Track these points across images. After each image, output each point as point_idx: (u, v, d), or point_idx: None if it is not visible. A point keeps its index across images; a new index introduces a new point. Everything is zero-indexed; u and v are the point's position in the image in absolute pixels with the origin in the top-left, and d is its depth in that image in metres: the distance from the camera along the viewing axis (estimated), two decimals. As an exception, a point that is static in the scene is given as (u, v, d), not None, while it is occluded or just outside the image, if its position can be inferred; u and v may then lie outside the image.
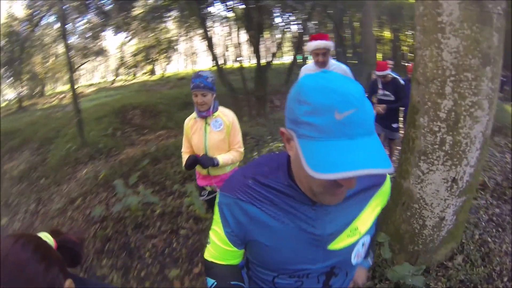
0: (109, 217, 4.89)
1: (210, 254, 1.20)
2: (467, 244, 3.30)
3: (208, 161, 2.79)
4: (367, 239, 1.15)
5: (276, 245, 1.06)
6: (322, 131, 0.76)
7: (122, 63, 30.68)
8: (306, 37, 15.09)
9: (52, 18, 24.91)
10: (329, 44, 3.47)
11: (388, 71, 5.33)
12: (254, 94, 10.64)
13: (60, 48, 29.54)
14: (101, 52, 32.24)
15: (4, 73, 24.79)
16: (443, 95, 2.44)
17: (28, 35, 23.49)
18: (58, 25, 25.64)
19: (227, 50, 31.34)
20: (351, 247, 1.10)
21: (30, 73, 27.98)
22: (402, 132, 3.84)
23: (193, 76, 2.76)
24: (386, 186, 1.15)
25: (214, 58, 11.31)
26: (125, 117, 10.97)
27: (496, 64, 2.34)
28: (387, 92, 5.45)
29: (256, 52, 10.80)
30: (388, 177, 1.16)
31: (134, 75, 31.77)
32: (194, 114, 2.93)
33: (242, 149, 2.99)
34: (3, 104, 27.31)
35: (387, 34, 22.88)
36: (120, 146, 8.46)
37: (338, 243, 1.07)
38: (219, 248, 1.15)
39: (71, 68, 8.50)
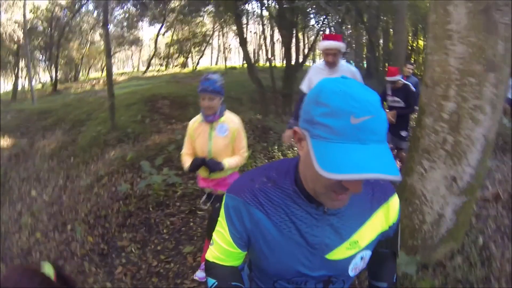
0: (133, 195, 5.28)
1: (212, 255, 1.22)
2: (469, 247, 3.37)
3: (215, 166, 2.82)
4: (367, 253, 1.16)
5: (274, 250, 1.09)
6: (337, 133, 0.78)
7: (155, 54, 31.55)
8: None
9: (91, 6, 26.03)
10: (340, 45, 3.54)
11: (399, 77, 5.31)
12: (281, 92, 10.90)
13: (97, 36, 30.82)
14: (136, 41, 33.31)
15: (41, 57, 25.95)
16: (447, 97, 2.64)
17: (67, 21, 24.47)
18: (96, 13, 26.82)
19: (260, 48, 31.64)
20: (349, 260, 1.12)
21: (66, 58, 29.13)
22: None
23: (202, 78, 2.77)
24: (393, 204, 1.15)
25: (246, 55, 11.66)
26: (154, 106, 11.35)
27: (501, 71, 2.52)
28: (397, 98, 5.44)
29: (287, 52, 11.06)
30: (396, 196, 1.17)
31: (166, 66, 32.50)
32: (199, 117, 2.94)
33: (246, 154, 3.03)
34: (38, 86, 28.45)
35: (421, 42, 22.54)
36: (147, 132, 8.84)
37: (336, 254, 1.09)
38: (222, 249, 1.17)
39: (109, 54, 8.91)
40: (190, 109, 10.69)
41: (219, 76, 2.80)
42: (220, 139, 2.86)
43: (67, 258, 4.20)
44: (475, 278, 3.04)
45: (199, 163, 2.85)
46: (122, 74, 33.44)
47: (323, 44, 3.57)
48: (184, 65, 32.21)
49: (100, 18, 25.81)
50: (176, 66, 32.82)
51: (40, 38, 25.02)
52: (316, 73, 3.87)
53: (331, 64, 3.61)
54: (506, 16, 2.43)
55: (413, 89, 5.36)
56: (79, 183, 6.59)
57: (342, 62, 3.76)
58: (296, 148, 6.52)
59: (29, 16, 21.67)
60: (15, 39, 21.90)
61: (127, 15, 27.93)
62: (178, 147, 6.82)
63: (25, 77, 26.79)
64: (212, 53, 43.28)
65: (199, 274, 3.45)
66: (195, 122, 2.95)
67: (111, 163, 6.86)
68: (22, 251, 4.47)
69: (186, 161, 2.96)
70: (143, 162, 5.86)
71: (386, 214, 1.14)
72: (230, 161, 2.89)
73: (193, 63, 33.24)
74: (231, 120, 2.90)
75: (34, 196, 6.28)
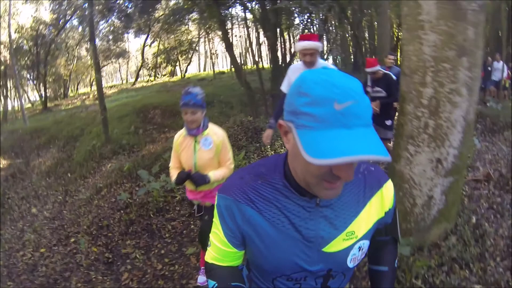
0: (133, 203, 5.43)
1: (210, 256, 1.22)
2: (462, 227, 3.50)
3: (200, 179, 2.84)
4: (364, 243, 1.15)
5: (270, 246, 1.09)
6: (321, 120, 0.79)
7: (143, 65, 31.64)
8: (324, 38, 15.42)
9: (75, 22, 26.07)
10: (317, 45, 3.58)
11: (377, 68, 5.37)
12: (270, 93, 11.06)
13: (83, 51, 30.89)
14: (123, 54, 33.39)
15: (28, 76, 25.97)
16: (425, 84, 2.81)
17: (53, 38, 24.49)
18: (81, 28, 26.88)
19: (246, 51, 31.81)
20: (346, 251, 1.11)
21: (55, 75, 29.16)
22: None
23: (183, 93, 2.77)
24: (387, 191, 1.16)
25: (233, 59, 11.81)
26: (146, 116, 11.60)
27: (473, 55, 2.69)
28: (378, 89, 5.48)
29: (273, 53, 11.22)
30: (390, 182, 1.18)
31: (155, 76, 32.63)
32: (184, 131, 2.95)
33: (232, 166, 3.06)
34: (28, 106, 28.47)
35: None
36: (142, 143, 9.06)
37: (333, 246, 1.09)
38: (219, 249, 1.18)
39: (98, 69, 9.05)
40: (181, 116, 10.80)
41: (200, 89, 2.82)
42: (205, 152, 2.89)
43: (73, 269, 4.30)
44: (470, 256, 3.15)
45: (184, 176, 2.88)
46: (111, 87, 33.57)
47: (300, 44, 3.62)
48: (172, 73, 32.38)
49: (85, 32, 25.91)
50: (164, 75, 32.99)
51: (26, 58, 25.06)
52: (294, 73, 3.91)
53: (309, 64, 3.65)
54: (473, 3, 2.61)
55: (394, 78, 5.40)
56: (78, 197, 6.72)
57: (321, 61, 3.80)
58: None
59: (14, 36, 21.68)
60: (2, 60, 21.90)
61: (112, 28, 28.01)
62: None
63: (14, 98, 26.83)
64: (199, 59, 43.52)
65: (200, 279, 3.55)
66: (180, 136, 2.97)
67: (109, 175, 7.01)
68: (28, 266, 4.55)
69: (173, 174, 2.98)
70: (140, 171, 6.01)
71: (381, 201, 1.15)
72: (216, 174, 2.92)
73: (181, 71, 33.39)
74: (214, 133, 2.93)
75: (35, 213, 6.38)
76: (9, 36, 19.55)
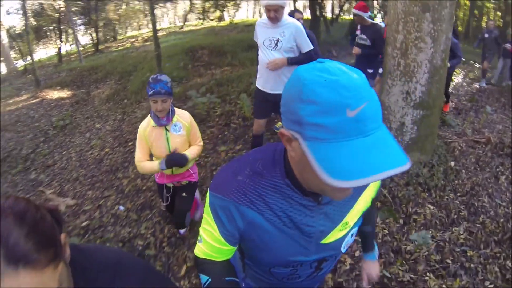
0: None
1: (202, 252, 1.20)
2: (437, 164, 4.21)
3: (181, 159, 2.89)
4: (355, 229, 1.20)
5: (269, 243, 1.09)
6: (335, 131, 0.71)
7: (191, 9, 32.62)
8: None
9: None
10: (281, 2, 3.56)
11: (363, 14, 5.44)
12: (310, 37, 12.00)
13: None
14: (170, -3, 34.51)
15: (79, 21, 27.93)
16: (398, 31, 3.84)
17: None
18: None
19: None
20: (341, 240, 1.15)
21: (105, 20, 30.97)
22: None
23: (152, 80, 2.70)
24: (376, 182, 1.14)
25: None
26: (194, 56, 12.72)
27: (436, 11, 3.63)
28: (364, 36, 5.54)
29: (312, 6, 12.06)
30: None
31: (203, 20, 33.56)
32: (150, 122, 2.88)
33: (201, 143, 3.14)
34: (80, 48, 30.70)
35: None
36: (190, 76, 10.32)
37: (330, 238, 1.12)
38: (213, 247, 1.16)
39: (153, 11, 10.07)
40: (228, 56, 11.89)
41: (166, 76, 2.79)
42: (177, 137, 2.92)
43: (131, 161, 5.63)
44: (434, 184, 3.90)
45: (175, 158, 2.89)
46: (159, 30, 34.84)
47: (264, 1, 3.61)
48: (220, 18, 33.05)
49: None
50: (212, 20, 33.76)
51: (77, 5, 26.94)
52: (260, 28, 3.95)
53: (273, 19, 3.68)
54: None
55: (382, 27, 5.46)
56: (135, 115, 8.13)
57: (286, 17, 3.80)
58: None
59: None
60: (56, 8, 23.79)
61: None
62: (218, 84, 8.31)
63: (65, 42, 28.93)
64: (247, 5, 43.70)
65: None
66: (147, 128, 2.88)
67: (160, 98, 8.42)
68: (96, 160, 6.15)
69: (148, 165, 2.94)
70: (190, 91, 7.47)
71: (373, 189, 1.19)
72: (191, 152, 2.99)
73: (229, 16, 34.02)
74: (182, 117, 2.95)
75: (99, 128, 7.92)
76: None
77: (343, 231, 1.13)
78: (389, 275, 2.90)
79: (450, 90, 6.82)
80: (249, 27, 23.06)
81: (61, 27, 25.74)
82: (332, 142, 0.72)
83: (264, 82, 4.02)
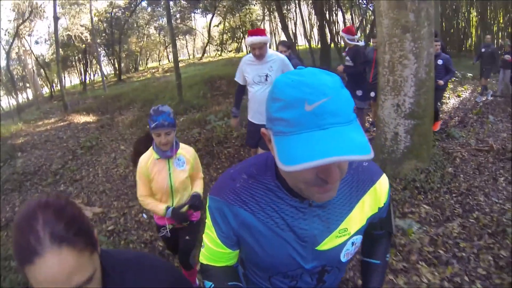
0: (201, 139, 7.53)
1: (205, 257, 1.24)
2: (433, 169, 4.43)
3: (200, 202, 2.83)
4: (357, 238, 1.17)
5: (264, 246, 1.11)
6: (293, 124, 0.77)
7: (209, 41, 34.07)
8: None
9: (144, 3, 29.62)
10: (264, 39, 3.91)
11: (349, 37, 5.74)
12: (320, 67, 12.88)
13: (152, 29, 34.42)
14: (189, 31, 36.31)
15: (103, 53, 29.90)
16: (385, 52, 4.44)
17: (126, 19, 28.26)
18: (150, 9, 30.43)
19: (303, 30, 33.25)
20: (340, 247, 1.13)
21: (127, 51, 32.83)
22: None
23: (153, 112, 2.56)
24: (381, 187, 1.15)
25: (287, 37, 13.73)
26: (213, 85, 13.54)
27: (415, 32, 4.20)
28: (348, 58, 5.91)
29: (321, 33, 12.95)
30: (385, 177, 1.17)
31: (221, 51, 34.86)
32: (152, 154, 2.74)
33: (202, 175, 3.06)
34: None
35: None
36: (209, 104, 11.09)
37: (327, 244, 1.11)
38: (213, 251, 1.19)
39: (174, 44, 10.94)
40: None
41: (168, 107, 2.63)
42: (180, 172, 2.78)
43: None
44: (430, 187, 4.15)
45: (183, 212, 2.82)
46: (179, 61, 36.24)
47: (249, 40, 3.94)
48: (238, 49, 34.21)
49: (155, 12, 30.70)
50: (230, 51, 34.99)
51: (101, 37, 28.83)
52: (246, 65, 4.27)
53: (258, 56, 4.03)
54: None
55: (362, 50, 5.91)
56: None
57: (270, 52, 4.15)
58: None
59: (94, 19, 25.30)
60: (83, 39, 25.61)
61: (179, 8, 30.98)
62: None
63: (89, 72, 30.99)
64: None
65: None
66: (148, 161, 2.74)
67: (182, 123, 9.10)
68: (121, 177, 6.78)
69: (152, 204, 2.83)
70: (209, 116, 8.29)
71: (375, 197, 1.15)
72: (200, 188, 2.94)
73: (246, 47, 35.15)
74: (186, 151, 2.84)
75: (123, 149, 8.54)
76: (91, 19, 23.19)
77: (342, 238, 1.12)
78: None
79: (453, 105, 7.14)
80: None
81: (86, 57, 27.53)
82: (292, 134, 0.77)
83: (253, 114, 4.45)
